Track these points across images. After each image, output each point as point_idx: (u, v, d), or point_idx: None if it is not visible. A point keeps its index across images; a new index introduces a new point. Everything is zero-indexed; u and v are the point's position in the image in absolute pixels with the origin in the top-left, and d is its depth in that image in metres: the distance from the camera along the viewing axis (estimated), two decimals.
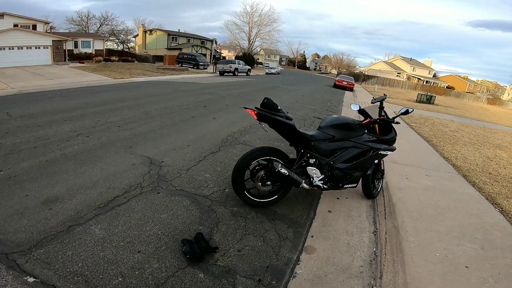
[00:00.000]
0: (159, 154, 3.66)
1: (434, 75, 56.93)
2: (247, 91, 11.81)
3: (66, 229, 2.04)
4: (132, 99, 7.21)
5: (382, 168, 3.05)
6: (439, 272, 1.94)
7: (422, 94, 20.01)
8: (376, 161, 2.71)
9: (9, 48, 16.03)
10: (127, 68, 16.25)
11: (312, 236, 2.38)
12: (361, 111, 2.91)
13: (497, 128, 11.31)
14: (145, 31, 37.56)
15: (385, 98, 2.90)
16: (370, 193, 2.97)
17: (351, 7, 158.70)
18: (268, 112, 2.24)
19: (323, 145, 2.46)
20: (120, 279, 1.66)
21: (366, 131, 2.66)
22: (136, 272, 1.72)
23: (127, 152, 3.62)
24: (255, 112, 2.21)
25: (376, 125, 2.73)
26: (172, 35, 35.87)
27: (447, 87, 46.39)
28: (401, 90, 33.08)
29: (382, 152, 2.64)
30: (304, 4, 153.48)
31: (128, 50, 37.82)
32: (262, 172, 2.43)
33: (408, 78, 50.19)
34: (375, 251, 2.28)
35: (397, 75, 50.03)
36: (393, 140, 2.80)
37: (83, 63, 18.92)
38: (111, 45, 37.50)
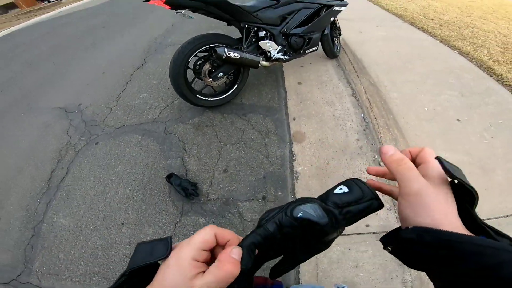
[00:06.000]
0: (71, 98, 2.61)
1: None
2: None
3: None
4: None
5: (338, 25, 2.76)
6: (437, 131, 1.80)
7: None
8: (332, 19, 2.41)
9: None
10: None
11: (294, 119, 2.01)
12: None
13: None
14: None
15: None
16: (332, 52, 2.71)
17: None
18: None
19: (269, 13, 2.04)
20: None
21: None
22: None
23: (29, 115, 2.48)
24: (163, 0, 1.58)
25: None
26: None
27: None
28: None
29: (336, 8, 2.33)
30: None
31: None
32: (208, 66, 1.94)
33: None
34: (363, 116, 2.03)
35: None
36: None
37: None
38: None
